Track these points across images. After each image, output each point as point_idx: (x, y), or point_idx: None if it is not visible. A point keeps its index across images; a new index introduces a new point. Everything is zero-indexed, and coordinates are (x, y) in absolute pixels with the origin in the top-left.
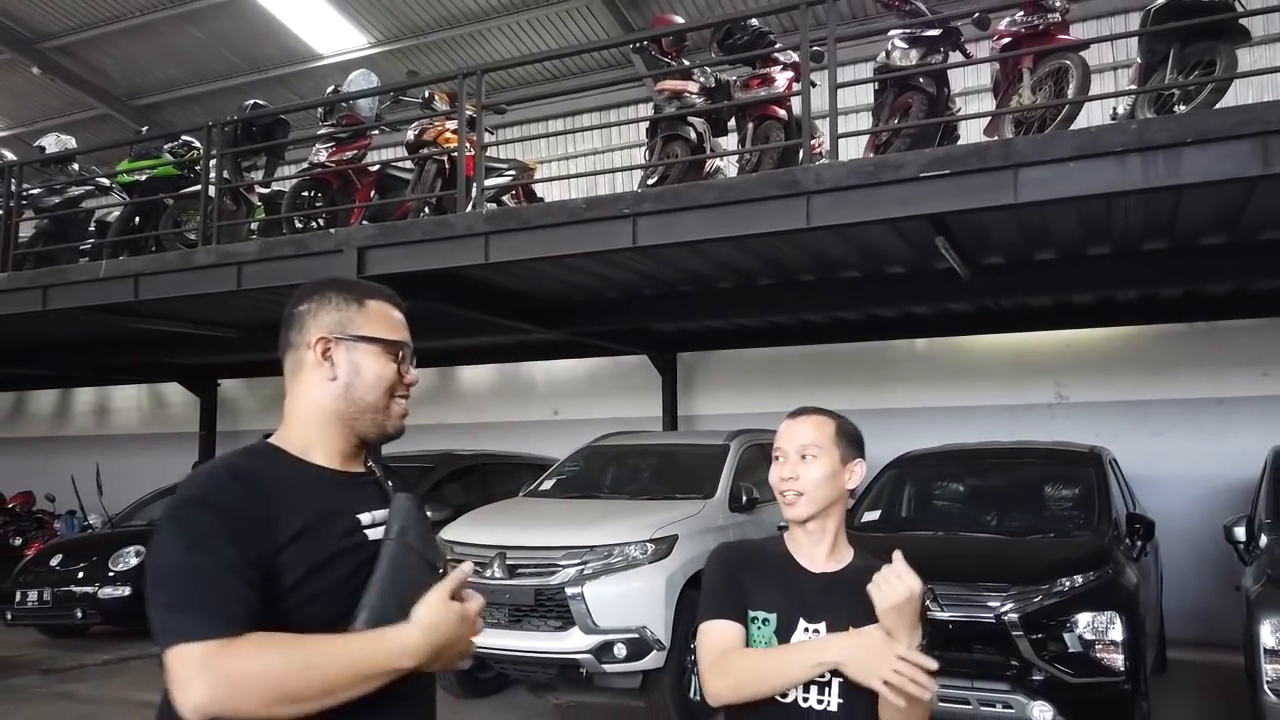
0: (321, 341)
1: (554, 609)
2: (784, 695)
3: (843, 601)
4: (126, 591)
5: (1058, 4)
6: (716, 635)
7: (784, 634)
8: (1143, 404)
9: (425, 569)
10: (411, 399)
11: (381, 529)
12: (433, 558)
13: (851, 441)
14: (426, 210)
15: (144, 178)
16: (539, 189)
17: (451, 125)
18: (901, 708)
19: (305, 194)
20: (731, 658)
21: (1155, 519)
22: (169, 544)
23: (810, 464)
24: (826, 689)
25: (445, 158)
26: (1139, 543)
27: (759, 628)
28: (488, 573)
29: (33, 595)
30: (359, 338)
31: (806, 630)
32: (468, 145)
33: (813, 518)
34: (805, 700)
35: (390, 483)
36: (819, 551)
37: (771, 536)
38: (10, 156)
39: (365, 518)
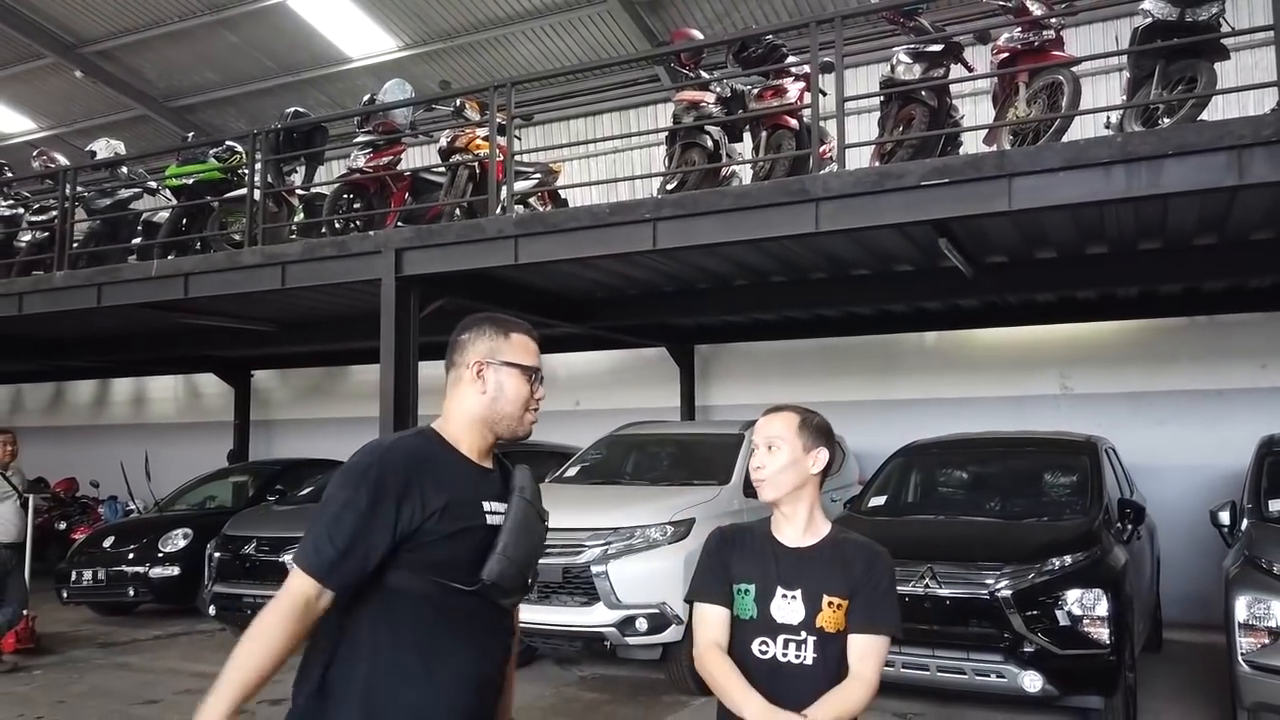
0: (477, 364)
1: (580, 586)
2: (764, 652)
3: (815, 571)
4: (175, 571)
5: (1053, 21)
6: (703, 621)
7: (763, 600)
8: (1145, 395)
9: (538, 518)
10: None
11: (500, 516)
12: (542, 511)
13: (815, 432)
14: (458, 213)
15: (191, 181)
16: (562, 191)
17: (482, 133)
18: None
19: (344, 197)
20: (711, 663)
21: (1156, 506)
22: (333, 493)
23: (774, 454)
24: (803, 645)
25: (476, 163)
26: (1129, 526)
27: (741, 596)
28: None
29: (87, 575)
30: (504, 363)
31: (784, 595)
32: (498, 152)
33: (782, 499)
34: (784, 656)
35: (512, 466)
36: (795, 528)
37: (763, 518)
38: (63, 161)
39: (487, 505)
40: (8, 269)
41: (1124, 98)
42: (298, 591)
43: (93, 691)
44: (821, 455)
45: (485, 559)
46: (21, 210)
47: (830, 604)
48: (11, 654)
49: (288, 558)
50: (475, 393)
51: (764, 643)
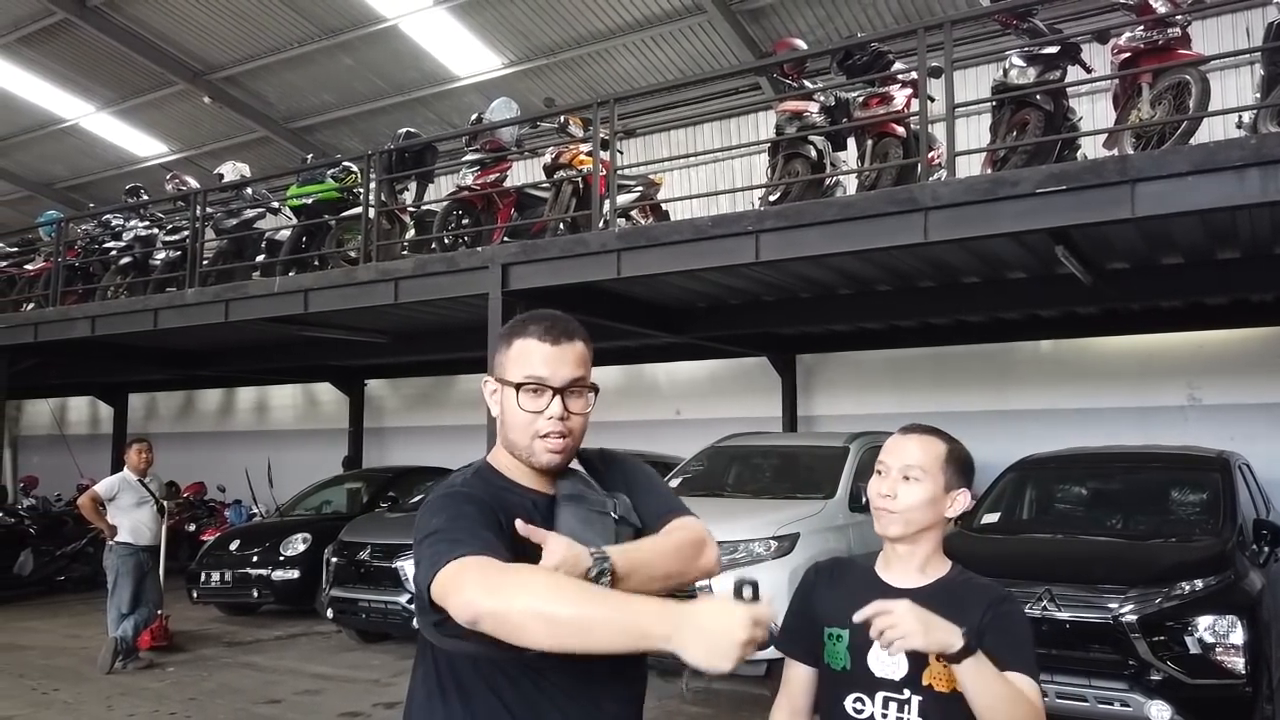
0: (487, 382)
1: (684, 600)
2: (859, 710)
3: None
4: (295, 574)
5: (1178, 19)
6: (785, 681)
7: (857, 650)
8: None
9: (595, 513)
10: None
11: None
12: (595, 502)
13: (960, 469)
14: (561, 227)
15: (310, 201)
16: (664, 203)
17: (585, 148)
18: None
19: (454, 214)
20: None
21: None
22: (432, 519)
23: (911, 486)
24: (906, 706)
25: (580, 179)
26: (1266, 548)
27: (832, 643)
28: None
29: (215, 576)
30: (499, 381)
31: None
32: (601, 167)
33: (904, 538)
34: (884, 716)
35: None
36: (909, 571)
37: (870, 552)
38: (193, 184)
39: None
40: (144, 286)
41: (1257, 96)
42: (455, 577)
43: (221, 689)
44: (963, 499)
45: None
46: (156, 230)
47: (940, 658)
48: (147, 651)
49: (402, 562)
50: (494, 414)
51: (859, 700)
